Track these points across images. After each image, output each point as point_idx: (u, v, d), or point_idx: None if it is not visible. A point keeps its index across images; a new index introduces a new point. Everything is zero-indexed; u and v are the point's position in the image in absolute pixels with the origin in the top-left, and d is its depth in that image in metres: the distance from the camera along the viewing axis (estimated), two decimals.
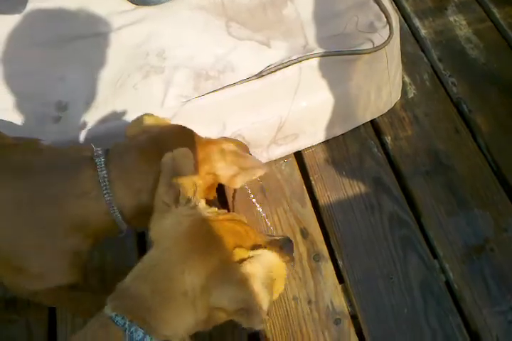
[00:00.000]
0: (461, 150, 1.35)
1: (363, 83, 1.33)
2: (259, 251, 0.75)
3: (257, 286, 0.69)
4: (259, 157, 1.37)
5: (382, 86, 1.37)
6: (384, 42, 1.24)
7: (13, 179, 0.85)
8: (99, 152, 0.89)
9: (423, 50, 1.57)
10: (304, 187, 1.34)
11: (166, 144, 0.89)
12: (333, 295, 1.16)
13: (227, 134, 1.28)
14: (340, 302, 1.16)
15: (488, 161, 1.33)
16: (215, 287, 0.69)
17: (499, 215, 1.23)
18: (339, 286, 1.18)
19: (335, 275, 1.19)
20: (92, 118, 1.25)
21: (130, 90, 1.26)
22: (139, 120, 1.00)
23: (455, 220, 1.24)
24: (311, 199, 1.32)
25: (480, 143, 1.36)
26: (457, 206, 1.26)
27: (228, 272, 0.71)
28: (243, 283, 0.69)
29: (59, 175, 0.86)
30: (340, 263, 1.21)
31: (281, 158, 1.39)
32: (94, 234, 0.89)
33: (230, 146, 0.97)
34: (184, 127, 1.00)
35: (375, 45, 1.23)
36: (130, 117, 1.21)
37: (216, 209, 0.83)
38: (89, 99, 1.29)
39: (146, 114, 1.02)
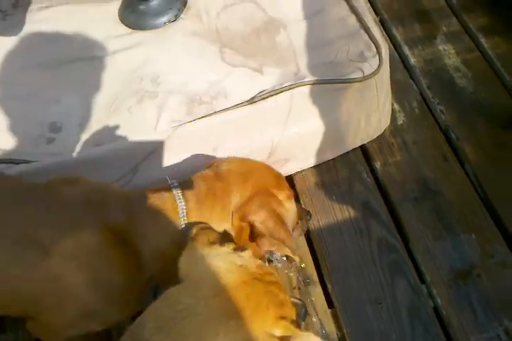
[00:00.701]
0: (449, 178, 1.37)
1: (353, 110, 1.36)
2: (305, 334, 0.68)
3: None
4: None
5: (372, 113, 1.40)
6: (374, 72, 1.28)
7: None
8: (175, 183, 0.94)
9: (412, 78, 1.61)
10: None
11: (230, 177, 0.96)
12: (323, 317, 1.17)
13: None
14: (329, 325, 1.16)
15: (476, 189, 1.35)
16: None
17: (486, 241, 1.25)
18: (328, 311, 1.19)
19: (324, 299, 1.20)
20: (85, 140, 1.27)
21: (124, 114, 1.28)
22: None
23: (442, 245, 1.25)
24: None
25: (468, 171, 1.39)
26: (444, 231, 1.27)
27: None
28: None
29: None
30: (329, 287, 1.22)
31: None
32: (159, 269, 0.90)
33: (281, 205, 0.97)
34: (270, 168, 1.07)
35: (365, 74, 1.26)
36: (123, 140, 1.24)
37: (261, 262, 0.76)
38: (83, 121, 1.31)
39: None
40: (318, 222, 1.33)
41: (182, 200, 0.90)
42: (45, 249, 0.81)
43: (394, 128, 1.49)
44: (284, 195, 1.00)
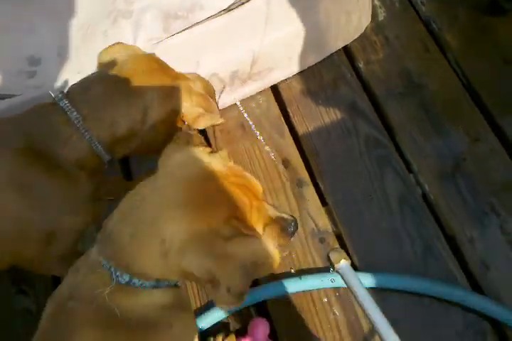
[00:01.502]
0: (432, 68, 1.38)
1: (332, 9, 1.33)
2: (254, 235, 0.70)
3: (233, 268, 0.66)
4: (236, 94, 1.41)
5: (352, 10, 1.37)
6: None
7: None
8: (59, 95, 0.90)
9: None
10: (283, 119, 1.39)
11: (133, 77, 0.92)
12: (317, 217, 1.24)
13: (202, 74, 1.30)
14: (324, 223, 1.24)
15: (459, 76, 1.36)
16: (190, 251, 0.66)
17: (471, 127, 1.28)
18: (323, 209, 1.26)
19: (318, 198, 1.27)
20: (66, 69, 1.27)
21: (100, 37, 1.27)
22: (110, 49, 1.01)
23: (428, 136, 1.29)
24: (289, 130, 1.37)
25: (450, 60, 1.39)
26: (430, 122, 1.31)
27: (211, 243, 0.66)
28: (220, 260, 0.66)
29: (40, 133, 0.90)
30: (321, 186, 1.28)
31: (258, 93, 1.42)
32: (91, 172, 0.95)
33: (197, 86, 0.99)
34: (155, 58, 1.00)
35: None
36: None
37: (232, 164, 0.77)
38: (61, 50, 1.30)
39: (117, 43, 1.02)
40: (306, 127, 1.37)
41: (72, 110, 0.88)
42: None
43: (375, 25, 1.47)
44: (189, 76, 1.01)
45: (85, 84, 0.94)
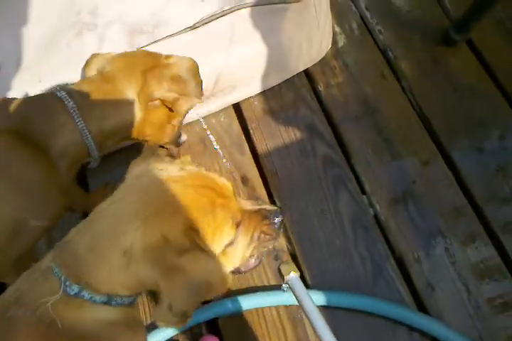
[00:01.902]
0: (387, 94, 1.44)
1: (294, 32, 1.38)
2: (209, 252, 0.69)
3: (179, 284, 0.66)
4: (199, 110, 1.42)
5: (313, 35, 1.42)
6: None
7: None
8: (58, 88, 0.97)
9: (351, 0, 1.62)
10: (243, 137, 1.41)
11: (114, 77, 0.99)
12: None
13: None
14: (279, 241, 1.25)
15: (412, 103, 1.43)
16: (144, 261, 0.66)
17: (421, 151, 1.35)
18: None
19: None
20: (26, 77, 1.26)
21: (63, 48, 1.27)
22: (90, 62, 1.07)
23: (381, 158, 1.35)
24: (249, 147, 1.40)
25: (404, 87, 1.46)
26: (383, 145, 1.36)
27: (162, 255, 0.66)
28: (168, 273, 0.66)
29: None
30: (278, 204, 1.31)
31: (220, 111, 1.45)
32: (71, 163, 0.97)
33: (173, 69, 1.02)
34: (129, 54, 1.07)
35: None
36: (66, 75, 1.24)
37: (192, 167, 0.77)
38: (22, 59, 1.29)
39: (93, 55, 1.08)
40: (266, 145, 1.40)
41: (69, 100, 0.93)
42: None
43: (335, 50, 1.53)
44: (163, 59, 1.05)
45: (78, 84, 1.01)
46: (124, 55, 1.06)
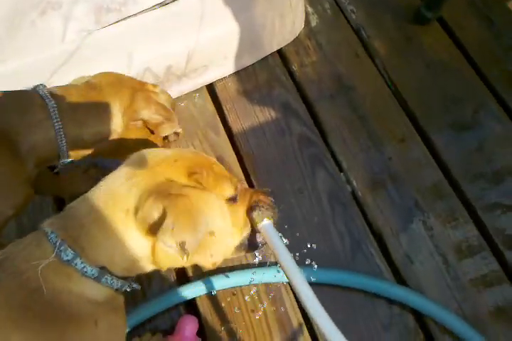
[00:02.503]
0: (361, 73, 1.44)
1: (266, 11, 1.36)
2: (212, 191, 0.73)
3: (183, 207, 0.66)
4: (171, 91, 1.40)
5: (285, 14, 1.41)
6: None
7: None
8: (41, 86, 0.95)
9: None
10: (218, 118, 1.39)
11: (101, 89, 0.99)
12: None
13: (135, 67, 1.29)
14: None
15: (385, 80, 1.42)
16: (149, 198, 0.66)
17: (397, 128, 1.34)
18: None
19: None
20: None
21: (27, 28, 1.22)
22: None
23: (357, 135, 1.34)
24: (224, 128, 1.38)
25: (378, 65, 1.45)
26: (359, 122, 1.36)
27: (167, 187, 0.68)
28: (173, 197, 0.66)
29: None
30: (254, 183, 1.29)
31: (193, 91, 1.42)
32: (39, 161, 0.94)
33: (159, 97, 1.05)
34: (119, 74, 1.06)
35: None
36: (31, 55, 1.20)
37: None
38: None
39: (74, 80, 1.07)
40: (241, 125, 1.38)
41: (51, 99, 0.92)
42: None
43: (308, 30, 1.52)
44: (152, 88, 1.07)
45: (64, 87, 0.99)
46: (111, 73, 1.06)
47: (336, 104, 1.39)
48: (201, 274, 1.15)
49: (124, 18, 1.22)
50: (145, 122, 1.03)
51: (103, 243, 0.67)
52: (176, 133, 1.12)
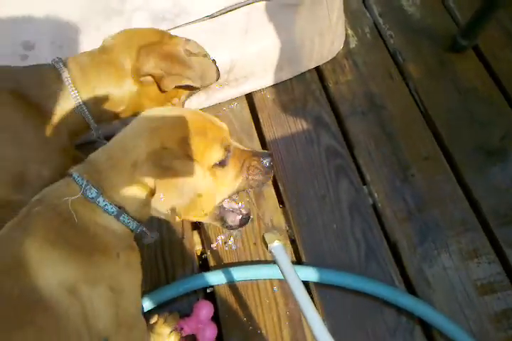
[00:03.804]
0: (393, 93, 1.51)
1: (307, 28, 1.46)
2: (196, 161, 0.83)
3: (171, 180, 0.79)
4: (213, 98, 1.51)
5: (325, 33, 1.51)
6: None
7: None
8: (56, 59, 1.03)
9: (366, 7, 1.72)
10: (253, 125, 1.49)
11: (113, 49, 1.04)
12: (274, 215, 1.32)
13: None
14: (279, 221, 1.31)
15: (416, 102, 1.49)
16: (146, 165, 0.79)
17: (423, 147, 1.40)
18: (279, 209, 1.34)
19: (276, 198, 1.35)
20: (57, 55, 1.35)
21: (93, 31, 1.37)
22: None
23: (383, 151, 1.40)
24: (258, 135, 1.47)
25: (410, 87, 1.52)
26: (386, 139, 1.42)
27: (161, 157, 0.79)
28: (164, 170, 0.79)
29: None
30: (281, 188, 1.36)
31: (233, 99, 1.53)
32: (71, 132, 1.04)
33: (168, 48, 1.05)
34: (133, 30, 1.10)
35: None
36: None
37: None
38: (54, 39, 1.39)
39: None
40: (274, 133, 1.46)
41: (64, 70, 1.00)
42: None
43: (347, 51, 1.61)
44: (167, 38, 1.08)
45: (77, 55, 1.07)
46: (131, 30, 1.09)
47: (365, 120, 1.46)
48: (222, 264, 1.22)
49: (176, 27, 1.35)
50: (153, 77, 1.03)
51: (118, 186, 0.80)
52: (190, 89, 1.10)
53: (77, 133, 1.07)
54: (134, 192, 0.80)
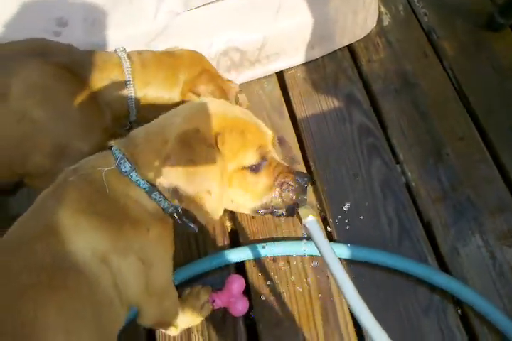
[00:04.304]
0: (427, 71, 1.48)
1: (340, 6, 1.44)
2: (221, 155, 0.81)
3: (190, 168, 0.77)
4: (244, 75, 1.50)
5: (358, 11, 1.48)
6: None
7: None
8: (121, 48, 1.08)
9: None
10: (284, 103, 1.47)
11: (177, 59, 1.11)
12: None
13: (213, 50, 1.40)
14: (309, 199, 1.29)
15: (451, 80, 1.46)
16: (175, 146, 0.78)
17: (457, 125, 1.38)
18: (311, 187, 1.33)
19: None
20: (90, 32, 1.36)
21: (125, 5, 1.36)
22: None
23: (416, 130, 1.38)
24: (289, 112, 1.45)
25: (445, 65, 1.49)
26: (419, 118, 1.40)
27: (193, 142, 0.79)
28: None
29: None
30: (312, 165, 1.35)
31: (264, 77, 1.51)
32: (114, 115, 1.08)
33: (224, 84, 1.14)
34: (202, 56, 1.18)
35: None
36: (127, 29, 1.34)
37: None
38: (86, 16, 1.39)
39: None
40: (305, 112, 1.45)
41: (127, 60, 1.04)
42: (1, 95, 0.95)
43: (380, 29, 1.58)
44: (225, 79, 1.17)
45: (143, 50, 1.12)
46: (201, 54, 1.17)
47: (399, 98, 1.44)
48: (252, 240, 1.22)
49: (209, 3, 1.34)
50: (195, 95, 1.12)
51: (151, 162, 0.79)
52: None
53: (118, 119, 1.10)
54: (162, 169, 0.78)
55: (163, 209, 0.82)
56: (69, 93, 1.00)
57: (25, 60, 0.98)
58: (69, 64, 1.01)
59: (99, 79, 1.04)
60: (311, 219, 0.95)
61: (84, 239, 0.73)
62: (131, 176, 0.78)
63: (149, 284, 0.81)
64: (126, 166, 0.78)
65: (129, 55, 1.07)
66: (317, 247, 0.93)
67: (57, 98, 0.99)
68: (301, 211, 0.97)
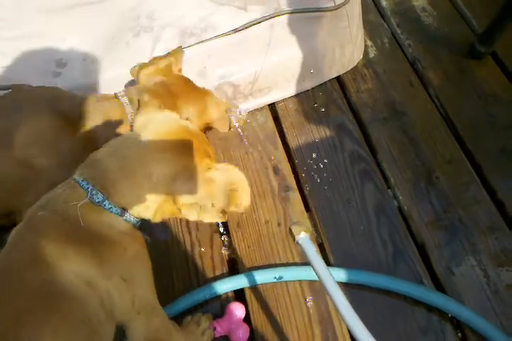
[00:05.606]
0: (414, 100, 1.54)
1: (328, 40, 1.52)
2: (227, 167, 0.88)
3: (216, 190, 0.84)
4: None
5: (346, 44, 1.56)
6: (344, 2, 1.44)
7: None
8: (122, 92, 1.16)
9: (384, 19, 1.77)
10: (277, 133, 1.53)
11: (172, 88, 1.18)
12: (300, 219, 1.35)
13: (207, 85, 1.47)
14: (305, 225, 1.34)
15: (437, 107, 1.52)
16: (180, 179, 0.83)
17: (445, 149, 1.42)
18: (305, 213, 1.37)
19: (302, 203, 1.38)
20: (88, 71, 1.43)
21: (123, 47, 1.45)
22: (143, 67, 1.25)
23: (406, 155, 1.43)
24: (282, 143, 1.51)
25: (431, 94, 1.56)
26: (408, 143, 1.45)
27: (196, 172, 0.84)
28: (205, 184, 0.84)
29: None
30: (306, 192, 1.39)
31: (257, 109, 1.58)
32: None
33: (218, 99, 1.25)
34: (184, 76, 1.26)
35: (336, 4, 1.43)
36: (123, 69, 1.41)
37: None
38: (86, 56, 1.47)
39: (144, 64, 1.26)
40: (298, 141, 1.50)
41: (128, 104, 1.11)
42: (9, 140, 1.01)
43: (366, 61, 1.66)
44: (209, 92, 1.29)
45: (143, 91, 1.16)
46: (181, 76, 1.26)
47: (388, 126, 1.50)
48: (250, 267, 1.25)
49: (202, 41, 1.42)
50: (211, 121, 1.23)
51: (127, 195, 0.83)
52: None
53: None
54: (143, 198, 0.84)
55: (134, 225, 0.88)
56: (72, 142, 1.06)
57: (35, 108, 1.06)
58: (75, 113, 1.09)
59: (102, 126, 1.10)
60: (303, 236, 0.99)
61: (70, 266, 0.77)
62: (105, 205, 0.82)
63: (135, 300, 0.85)
64: (99, 197, 0.81)
65: (131, 100, 1.13)
66: (309, 262, 0.95)
67: (61, 147, 1.04)
68: (294, 228, 1.02)
